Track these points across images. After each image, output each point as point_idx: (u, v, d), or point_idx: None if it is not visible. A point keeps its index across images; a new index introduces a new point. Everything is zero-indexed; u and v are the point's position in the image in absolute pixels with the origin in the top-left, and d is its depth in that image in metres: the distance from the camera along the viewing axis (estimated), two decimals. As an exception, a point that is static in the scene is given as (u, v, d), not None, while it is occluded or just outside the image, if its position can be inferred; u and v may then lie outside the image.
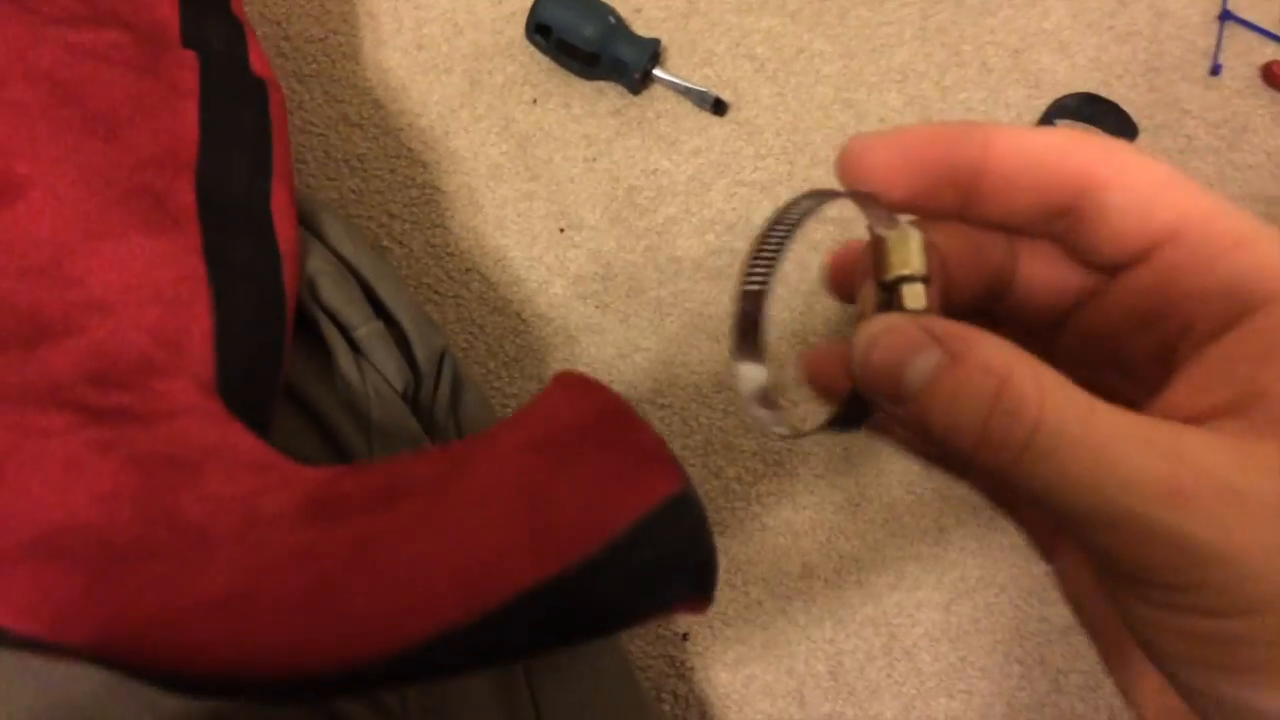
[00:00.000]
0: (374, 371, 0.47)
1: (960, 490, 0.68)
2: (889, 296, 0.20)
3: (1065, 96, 0.75)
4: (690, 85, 0.74)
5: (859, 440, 0.67)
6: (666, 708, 0.65)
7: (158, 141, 0.41)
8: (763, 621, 0.66)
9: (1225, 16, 0.78)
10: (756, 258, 0.24)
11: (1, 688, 0.32)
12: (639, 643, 0.65)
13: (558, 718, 0.46)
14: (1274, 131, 0.76)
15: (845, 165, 0.22)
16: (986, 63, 0.77)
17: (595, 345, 0.69)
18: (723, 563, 0.67)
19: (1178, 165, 0.74)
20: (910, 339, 0.19)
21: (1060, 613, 0.66)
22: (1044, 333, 0.24)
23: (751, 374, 0.25)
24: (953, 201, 0.22)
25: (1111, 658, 0.23)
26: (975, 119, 0.76)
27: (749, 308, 0.25)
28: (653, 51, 0.73)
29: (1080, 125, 0.75)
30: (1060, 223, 0.21)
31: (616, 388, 0.59)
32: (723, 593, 0.66)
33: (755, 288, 0.25)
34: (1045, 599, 0.67)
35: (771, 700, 0.65)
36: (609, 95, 0.75)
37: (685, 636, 0.66)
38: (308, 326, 0.47)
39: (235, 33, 0.50)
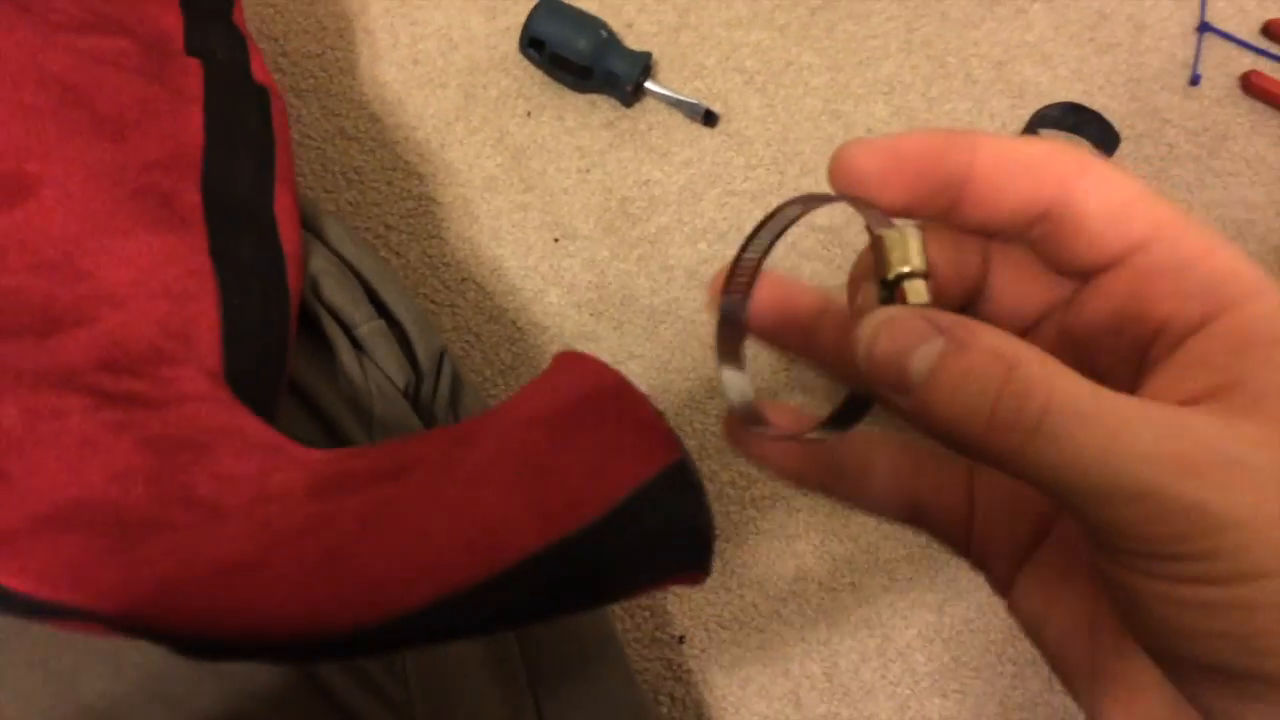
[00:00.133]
0: (376, 368, 0.48)
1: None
2: (890, 294, 0.21)
3: (1048, 106, 0.76)
4: (681, 98, 0.75)
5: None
6: (664, 710, 0.65)
7: (164, 144, 0.43)
8: (758, 624, 0.67)
9: (1203, 28, 0.80)
10: (739, 262, 0.24)
11: (11, 683, 0.33)
12: (636, 646, 0.66)
13: None
14: (1252, 139, 0.77)
15: (838, 171, 0.23)
16: (971, 74, 0.79)
17: (590, 352, 0.70)
18: (717, 566, 0.68)
19: (1159, 172, 0.76)
20: (914, 328, 0.19)
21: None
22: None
23: (735, 380, 0.25)
24: (940, 206, 0.23)
25: (1077, 682, 0.24)
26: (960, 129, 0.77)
27: (731, 311, 0.25)
28: (644, 65, 0.74)
29: (1063, 134, 0.77)
30: (1038, 228, 0.22)
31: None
32: (718, 595, 0.67)
33: (737, 294, 0.25)
34: (1036, 598, 0.67)
35: (768, 702, 0.66)
36: (602, 108, 0.76)
37: (682, 639, 0.67)
38: (310, 324, 0.48)
39: (237, 43, 0.51)
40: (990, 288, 0.24)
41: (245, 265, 0.42)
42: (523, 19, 0.74)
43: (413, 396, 0.50)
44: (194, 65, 0.47)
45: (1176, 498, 0.17)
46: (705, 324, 0.71)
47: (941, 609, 0.68)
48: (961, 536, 0.26)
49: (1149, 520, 0.18)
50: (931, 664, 0.67)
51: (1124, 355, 0.22)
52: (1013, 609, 0.25)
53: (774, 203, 0.28)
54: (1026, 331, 0.24)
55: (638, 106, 0.77)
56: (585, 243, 0.73)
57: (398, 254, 0.72)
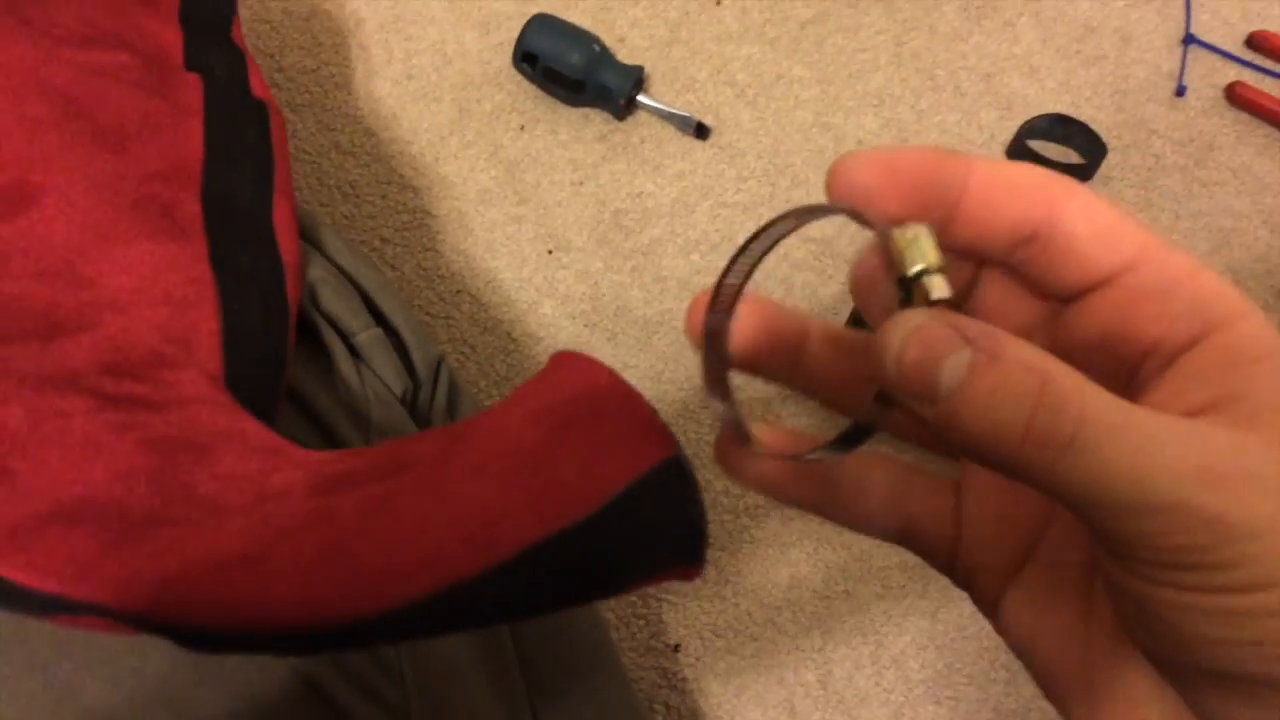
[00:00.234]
0: (373, 376, 0.49)
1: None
2: (908, 292, 0.20)
3: (1036, 118, 0.77)
4: (673, 111, 0.76)
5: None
6: (659, 718, 0.65)
7: (165, 156, 0.43)
8: (752, 632, 0.67)
9: (1189, 40, 0.81)
10: (720, 287, 0.24)
11: (9, 685, 0.33)
12: (631, 654, 0.66)
13: None
14: (1238, 149, 0.79)
15: (835, 183, 0.23)
16: (960, 87, 0.80)
17: (585, 362, 0.71)
18: (712, 574, 0.68)
19: (1146, 182, 0.77)
20: (942, 337, 0.19)
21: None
22: None
23: (721, 408, 0.25)
24: (934, 221, 0.23)
25: (1071, 697, 0.24)
26: (949, 141, 0.78)
27: (715, 331, 0.25)
28: (637, 78, 0.75)
29: (1052, 145, 0.78)
30: (1024, 250, 0.22)
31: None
32: (713, 604, 0.68)
33: (720, 313, 0.25)
34: (1029, 604, 0.68)
35: (762, 710, 0.66)
36: (594, 121, 0.77)
37: (677, 648, 0.67)
38: (309, 333, 0.48)
39: (236, 58, 0.52)
40: (976, 302, 0.25)
41: (245, 273, 0.42)
42: (516, 34, 0.75)
43: (410, 404, 0.51)
44: (194, 80, 0.47)
45: (1200, 509, 0.18)
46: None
47: (935, 616, 0.68)
48: (947, 555, 0.27)
49: (1173, 531, 0.18)
50: (925, 671, 0.67)
51: (1111, 372, 0.22)
52: (1001, 628, 0.25)
53: (765, 214, 0.27)
54: None
55: (630, 120, 0.77)
56: (579, 255, 0.74)
57: (393, 267, 0.73)
